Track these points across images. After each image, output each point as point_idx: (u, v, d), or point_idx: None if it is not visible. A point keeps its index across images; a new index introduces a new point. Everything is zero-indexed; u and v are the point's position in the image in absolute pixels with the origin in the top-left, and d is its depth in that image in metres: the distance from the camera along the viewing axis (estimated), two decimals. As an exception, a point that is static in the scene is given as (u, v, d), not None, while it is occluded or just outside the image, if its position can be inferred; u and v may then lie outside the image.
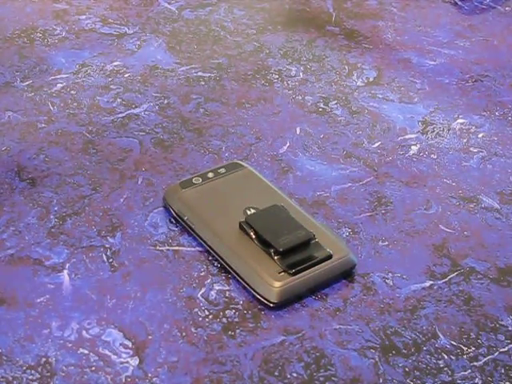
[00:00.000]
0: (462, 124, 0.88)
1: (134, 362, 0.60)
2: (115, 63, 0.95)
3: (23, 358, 0.59)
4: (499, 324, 0.65)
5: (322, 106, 0.89)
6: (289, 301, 0.65)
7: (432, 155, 0.83)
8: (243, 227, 0.69)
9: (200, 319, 0.63)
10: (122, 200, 0.75)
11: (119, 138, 0.82)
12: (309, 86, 0.93)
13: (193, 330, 0.62)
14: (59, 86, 0.90)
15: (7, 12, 1.04)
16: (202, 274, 0.67)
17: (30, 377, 0.58)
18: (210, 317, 0.64)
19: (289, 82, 0.93)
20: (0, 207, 0.73)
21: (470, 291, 0.67)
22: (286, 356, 0.61)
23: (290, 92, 0.91)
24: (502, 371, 0.61)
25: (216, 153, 0.81)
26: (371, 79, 0.95)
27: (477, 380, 0.60)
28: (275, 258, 0.66)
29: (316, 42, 1.02)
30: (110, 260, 0.68)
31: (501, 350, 0.62)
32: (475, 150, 0.84)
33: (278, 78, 0.94)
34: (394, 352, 0.62)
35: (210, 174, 0.75)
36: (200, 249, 0.70)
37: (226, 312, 0.64)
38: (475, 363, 0.61)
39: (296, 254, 0.67)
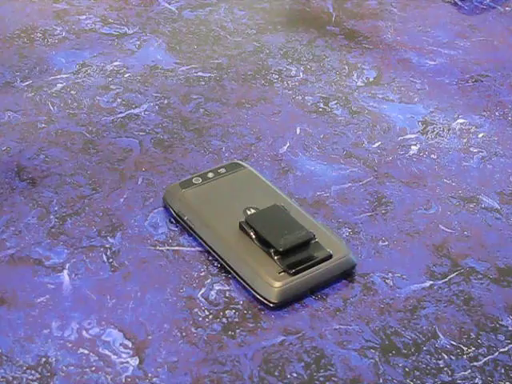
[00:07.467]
0: (462, 124, 0.88)
1: (134, 362, 0.60)
2: (115, 63, 0.95)
3: (23, 358, 0.59)
4: (499, 324, 0.65)
5: (321, 106, 0.89)
6: (289, 301, 0.65)
7: (432, 155, 0.83)
8: (243, 227, 0.69)
9: (200, 319, 0.63)
10: (122, 200, 0.75)
11: (119, 138, 0.82)
12: (309, 85, 0.93)
13: (193, 329, 0.62)
14: (59, 86, 0.90)
15: (7, 12, 1.04)
16: (202, 273, 0.67)
17: (30, 377, 0.58)
18: (210, 317, 0.64)
19: (289, 82, 0.93)
20: (0, 207, 0.73)
21: (469, 291, 0.67)
22: (286, 356, 0.61)
23: (290, 92, 0.91)
24: (502, 371, 0.61)
25: (216, 153, 0.81)
26: (371, 79, 0.95)
27: (477, 380, 0.60)
28: (275, 257, 0.66)
29: (316, 42, 1.01)
30: (110, 260, 0.68)
31: (501, 350, 0.62)
32: (475, 150, 0.84)
33: (277, 78, 0.94)
34: (394, 352, 0.62)
35: (210, 174, 0.75)
36: (200, 249, 0.70)
37: (226, 312, 0.64)
38: (475, 363, 0.61)
39: (296, 254, 0.67)
